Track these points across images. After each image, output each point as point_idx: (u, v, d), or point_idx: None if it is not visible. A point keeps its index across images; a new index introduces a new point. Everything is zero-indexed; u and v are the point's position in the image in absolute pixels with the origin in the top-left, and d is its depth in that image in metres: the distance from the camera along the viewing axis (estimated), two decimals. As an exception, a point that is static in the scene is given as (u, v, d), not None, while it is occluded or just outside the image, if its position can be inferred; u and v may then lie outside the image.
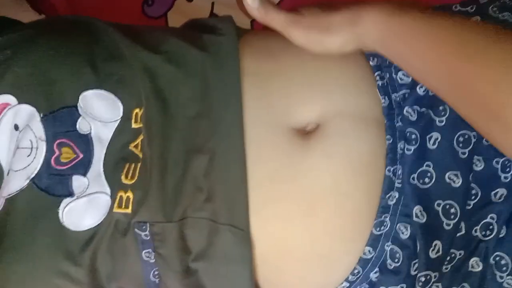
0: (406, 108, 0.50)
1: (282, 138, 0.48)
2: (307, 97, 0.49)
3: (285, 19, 0.46)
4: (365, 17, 0.43)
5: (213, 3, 0.81)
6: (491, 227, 0.47)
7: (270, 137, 0.48)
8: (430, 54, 0.40)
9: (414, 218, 0.47)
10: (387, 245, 0.48)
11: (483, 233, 0.48)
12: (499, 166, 0.48)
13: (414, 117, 0.50)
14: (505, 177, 0.48)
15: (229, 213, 0.46)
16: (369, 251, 0.48)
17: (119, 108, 0.49)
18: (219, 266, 0.47)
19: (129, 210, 0.46)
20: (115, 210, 0.46)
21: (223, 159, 0.47)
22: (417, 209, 0.47)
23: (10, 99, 0.48)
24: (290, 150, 0.47)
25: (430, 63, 0.41)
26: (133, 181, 0.47)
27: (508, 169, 0.48)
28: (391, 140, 0.49)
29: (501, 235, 0.47)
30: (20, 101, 0.48)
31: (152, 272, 0.47)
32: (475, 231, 0.48)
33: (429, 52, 0.40)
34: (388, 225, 0.48)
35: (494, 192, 0.48)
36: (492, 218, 0.47)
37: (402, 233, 0.48)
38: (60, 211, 0.46)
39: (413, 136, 0.49)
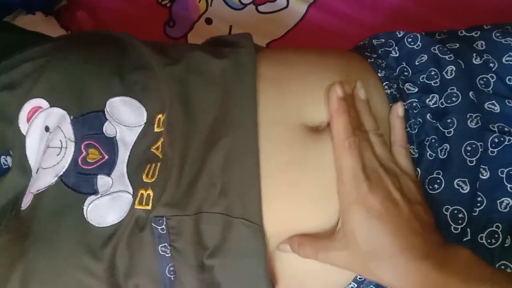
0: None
1: (295, 134, 0.49)
2: (320, 98, 0.51)
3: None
4: None
5: (231, 26, 0.84)
6: (496, 235, 0.48)
7: (284, 133, 0.49)
8: None
9: None
10: None
11: (488, 241, 0.48)
12: (504, 176, 0.49)
13: None
14: (511, 188, 0.49)
15: (242, 207, 0.47)
16: None
17: (143, 114, 0.51)
18: (234, 261, 0.48)
19: (149, 207, 0.48)
20: (136, 206, 0.48)
21: (238, 155, 0.48)
22: None
23: (42, 102, 0.51)
24: (302, 143, 0.48)
25: None
26: (153, 180, 0.48)
27: None
28: None
29: (506, 245, 0.48)
30: (52, 105, 0.51)
31: (167, 268, 0.48)
32: (481, 238, 0.49)
33: None
34: None
35: (499, 201, 0.49)
36: (497, 227, 0.48)
37: None
38: (85, 208, 0.48)
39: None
